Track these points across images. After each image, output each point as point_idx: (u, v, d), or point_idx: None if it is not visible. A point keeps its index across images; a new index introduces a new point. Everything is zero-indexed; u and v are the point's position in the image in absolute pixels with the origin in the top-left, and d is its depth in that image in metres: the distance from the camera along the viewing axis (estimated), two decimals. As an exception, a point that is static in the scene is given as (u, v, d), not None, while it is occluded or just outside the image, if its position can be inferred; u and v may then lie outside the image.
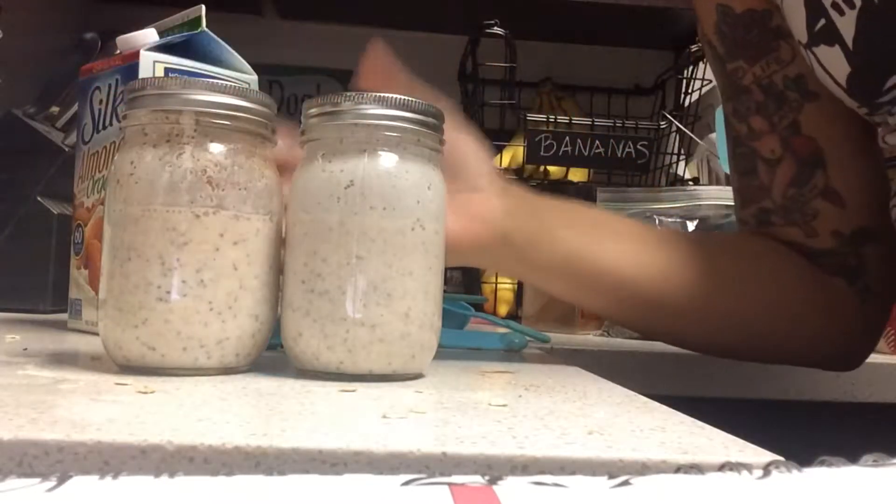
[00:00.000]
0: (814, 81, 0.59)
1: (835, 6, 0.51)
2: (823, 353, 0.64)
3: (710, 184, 1.15)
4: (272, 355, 0.48)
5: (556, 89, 1.43)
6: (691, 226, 0.92)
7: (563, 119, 1.15)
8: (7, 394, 0.32)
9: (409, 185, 0.41)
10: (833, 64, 0.53)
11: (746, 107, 0.61)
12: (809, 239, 0.61)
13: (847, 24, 0.51)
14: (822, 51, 0.54)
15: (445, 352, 0.53)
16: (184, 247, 0.39)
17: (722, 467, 0.21)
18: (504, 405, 0.35)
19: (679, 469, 0.25)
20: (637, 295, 0.58)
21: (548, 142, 1.10)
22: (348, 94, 0.41)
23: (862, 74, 0.52)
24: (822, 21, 0.52)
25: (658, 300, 0.58)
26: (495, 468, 0.26)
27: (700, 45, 1.13)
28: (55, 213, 0.79)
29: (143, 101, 0.41)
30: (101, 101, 0.62)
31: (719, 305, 0.59)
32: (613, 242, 0.58)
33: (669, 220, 0.93)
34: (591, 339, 0.90)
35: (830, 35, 0.52)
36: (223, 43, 0.61)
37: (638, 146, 1.13)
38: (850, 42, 0.51)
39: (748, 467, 0.21)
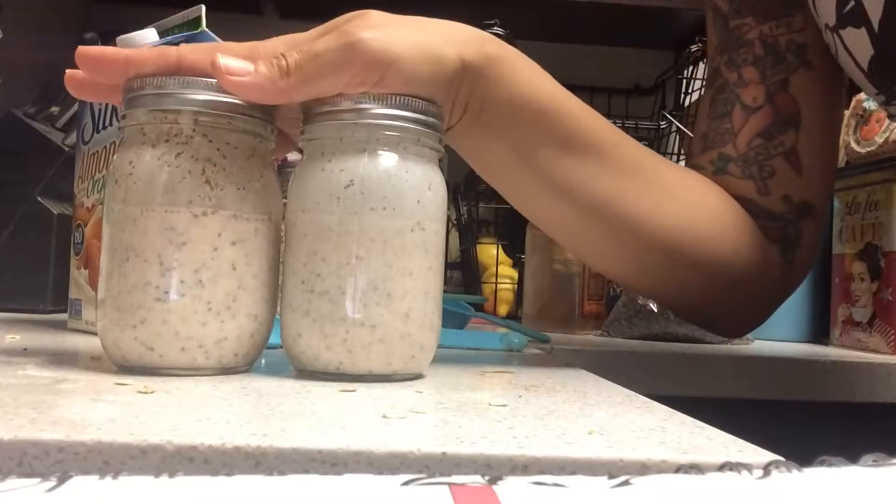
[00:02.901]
0: (815, 52, 0.60)
1: None
2: (733, 311, 0.63)
3: (709, 184, 1.15)
4: (272, 355, 0.48)
5: (556, 89, 1.43)
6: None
7: (563, 119, 1.14)
8: (7, 394, 0.32)
9: (410, 185, 0.41)
10: (857, 46, 0.54)
11: (743, 58, 0.62)
12: (761, 197, 0.60)
13: (875, 6, 0.52)
14: (849, 33, 0.54)
15: (445, 352, 0.53)
16: (182, 247, 0.39)
17: (722, 467, 0.21)
18: (504, 405, 0.35)
19: (679, 469, 0.25)
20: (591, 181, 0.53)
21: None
22: (348, 93, 0.41)
23: (884, 58, 0.53)
24: (852, 3, 0.53)
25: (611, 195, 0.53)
26: (495, 468, 0.26)
27: (699, 45, 1.14)
28: (55, 213, 0.79)
29: (142, 100, 0.41)
30: (101, 101, 0.62)
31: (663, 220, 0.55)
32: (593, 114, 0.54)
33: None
34: (591, 339, 0.90)
35: (858, 17, 0.53)
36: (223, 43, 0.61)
37: (638, 146, 1.13)
38: (876, 24, 0.52)
39: (748, 467, 0.21)
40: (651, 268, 0.57)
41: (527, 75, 0.50)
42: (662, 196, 0.55)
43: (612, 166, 0.53)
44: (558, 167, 0.51)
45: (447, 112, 0.47)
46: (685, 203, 0.57)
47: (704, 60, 1.14)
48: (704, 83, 0.67)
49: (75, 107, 0.77)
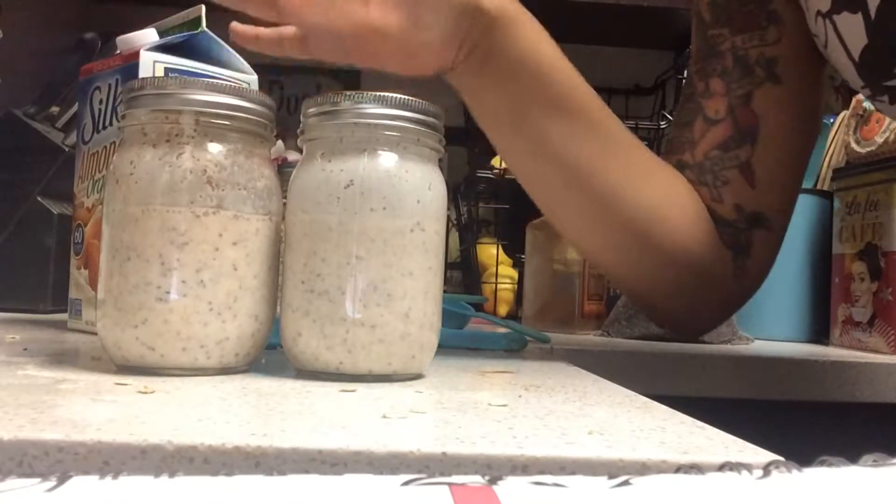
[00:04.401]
0: (784, 67, 0.61)
1: None
2: (689, 310, 0.66)
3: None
4: (272, 355, 0.48)
5: (556, 89, 1.43)
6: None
7: (563, 119, 1.14)
8: (7, 394, 0.32)
9: (410, 185, 0.41)
10: (851, 34, 0.54)
11: (713, 69, 0.63)
12: (714, 203, 0.62)
13: None
14: (843, 18, 0.54)
15: (445, 352, 0.53)
16: (183, 247, 0.39)
17: (722, 467, 0.21)
18: (504, 405, 0.35)
19: (679, 469, 0.25)
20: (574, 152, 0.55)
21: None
22: (348, 93, 0.41)
23: (877, 49, 0.53)
24: None
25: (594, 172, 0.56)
26: (495, 468, 0.26)
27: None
28: (55, 213, 0.79)
29: (143, 100, 0.41)
30: (101, 101, 0.62)
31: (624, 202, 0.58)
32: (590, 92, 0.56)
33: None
34: (591, 339, 0.90)
35: (854, 1, 0.53)
36: (223, 43, 0.61)
37: (638, 146, 1.13)
38: (873, 11, 0.52)
39: (748, 467, 0.21)
40: (622, 247, 0.60)
41: (533, 35, 0.53)
42: (642, 178, 0.58)
43: (599, 137, 0.56)
44: (549, 126, 0.54)
45: (454, 47, 0.50)
46: (661, 189, 0.60)
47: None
48: (683, 84, 0.68)
49: (75, 107, 0.77)
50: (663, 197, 0.59)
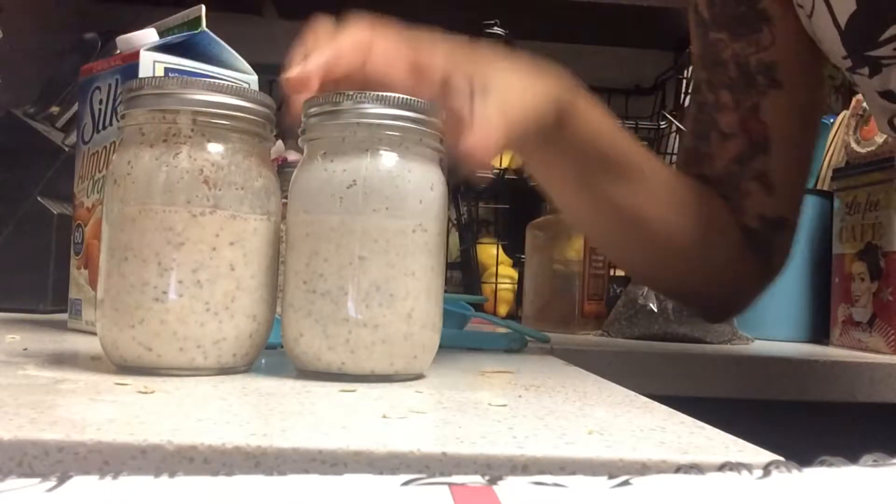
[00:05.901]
0: (783, 71, 0.63)
1: None
2: (716, 301, 0.71)
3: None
4: (272, 355, 0.48)
5: (556, 89, 1.43)
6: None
7: (563, 119, 1.14)
8: (7, 394, 0.32)
9: (412, 186, 0.41)
10: (839, 1, 0.54)
11: (720, 80, 0.65)
12: (738, 215, 0.65)
13: None
14: None
15: (445, 352, 0.53)
16: (180, 247, 0.39)
17: (722, 467, 0.21)
18: (504, 405, 0.35)
19: (679, 469, 0.25)
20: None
21: (548, 142, 1.10)
22: (349, 93, 0.41)
23: (864, 16, 0.54)
24: None
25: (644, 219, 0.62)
26: (495, 468, 0.26)
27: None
28: (55, 213, 0.79)
29: (141, 100, 0.41)
30: (101, 101, 0.62)
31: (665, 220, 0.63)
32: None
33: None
34: (591, 339, 0.90)
35: None
36: (223, 43, 0.61)
37: (638, 146, 1.13)
38: None
39: (748, 467, 0.21)
40: (660, 261, 0.66)
41: (596, 116, 0.57)
42: (679, 209, 0.64)
43: (646, 185, 0.62)
44: (609, 187, 0.61)
45: (531, 134, 0.53)
46: (693, 213, 0.64)
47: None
48: (691, 89, 0.70)
49: (75, 107, 0.77)
50: (697, 219, 0.64)
